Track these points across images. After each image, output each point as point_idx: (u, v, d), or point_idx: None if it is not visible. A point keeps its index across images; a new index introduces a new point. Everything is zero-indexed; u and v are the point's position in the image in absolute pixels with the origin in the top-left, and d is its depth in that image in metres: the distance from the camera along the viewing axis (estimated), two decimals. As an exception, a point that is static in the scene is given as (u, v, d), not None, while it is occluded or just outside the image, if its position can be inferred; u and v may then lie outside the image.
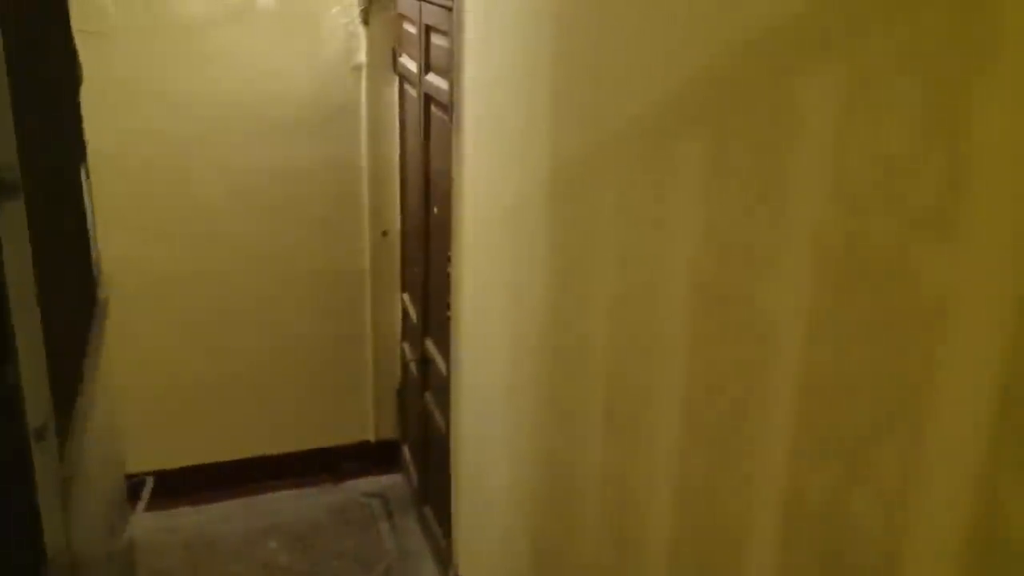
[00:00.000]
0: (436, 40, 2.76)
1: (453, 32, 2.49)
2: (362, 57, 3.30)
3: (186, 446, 3.51)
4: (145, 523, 3.28)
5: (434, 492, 3.24)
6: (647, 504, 1.54)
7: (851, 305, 0.99)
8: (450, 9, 2.50)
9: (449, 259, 2.66)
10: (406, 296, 3.52)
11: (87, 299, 2.02)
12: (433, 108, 2.84)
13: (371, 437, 3.76)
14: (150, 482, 2.39)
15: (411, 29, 3.06)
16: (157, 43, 3.08)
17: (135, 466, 3.42)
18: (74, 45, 2.09)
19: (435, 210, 2.90)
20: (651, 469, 1.52)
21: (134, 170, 3.15)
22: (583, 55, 1.68)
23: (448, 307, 2.72)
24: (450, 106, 2.56)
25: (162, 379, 3.41)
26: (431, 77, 2.82)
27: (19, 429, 1.39)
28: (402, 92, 3.32)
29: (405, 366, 3.56)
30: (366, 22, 3.27)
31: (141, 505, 2.29)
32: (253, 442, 3.59)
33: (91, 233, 2.12)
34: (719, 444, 1.28)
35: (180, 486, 3.45)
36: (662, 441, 1.47)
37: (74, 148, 2.06)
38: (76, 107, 2.12)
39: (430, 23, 2.79)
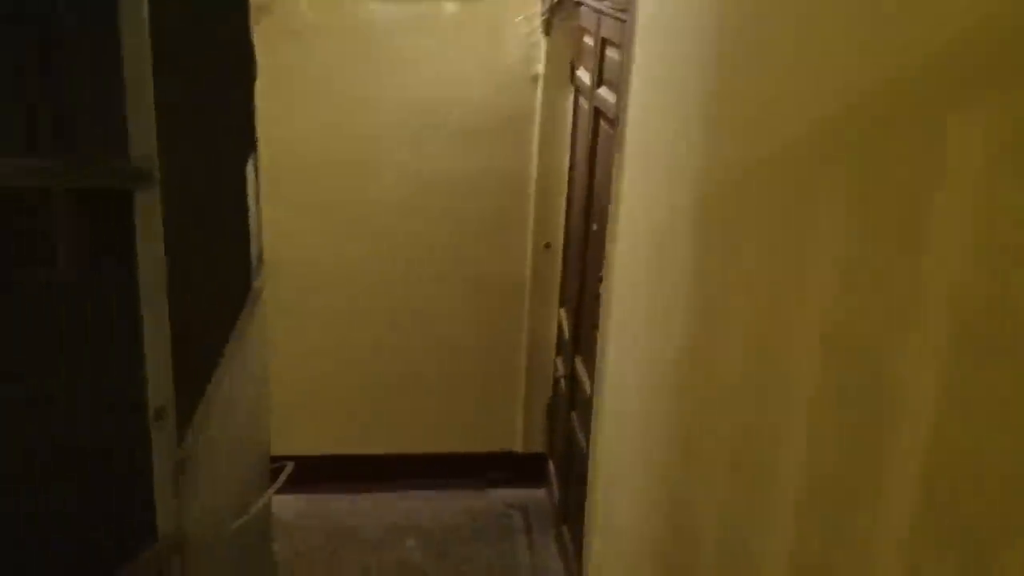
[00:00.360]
0: (610, 53, 2.70)
1: (624, 45, 2.42)
2: (540, 68, 3.29)
3: (337, 435, 3.62)
4: (290, 505, 3.42)
5: (573, 512, 3.17)
6: (763, 565, 1.41)
7: (988, 379, 0.85)
8: (625, 22, 2.43)
9: (601, 279, 2.59)
10: (563, 311, 3.47)
11: (240, 287, 2.10)
12: (602, 122, 2.78)
13: (518, 448, 3.74)
14: (290, 467, 2.46)
15: (589, 41, 3.01)
16: (346, 44, 3.20)
17: (286, 448, 3.56)
18: (251, 43, 2.18)
19: (594, 226, 2.84)
20: (770, 528, 1.39)
21: (314, 166, 3.29)
22: (736, 80, 1.58)
23: (596, 328, 2.65)
24: (615, 121, 2.49)
25: (321, 368, 3.54)
26: (603, 91, 2.76)
27: (140, 410, 1.44)
28: (576, 105, 3.28)
29: (556, 381, 3.51)
30: (547, 33, 3.25)
31: (274, 488, 2.35)
32: (401, 438, 3.66)
33: (252, 225, 2.21)
34: (838, 513, 1.15)
35: (328, 473, 3.57)
36: (783, 501, 1.34)
37: (242, 143, 2.15)
38: (248, 103, 2.21)
39: (606, 36, 2.73)
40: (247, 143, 2.19)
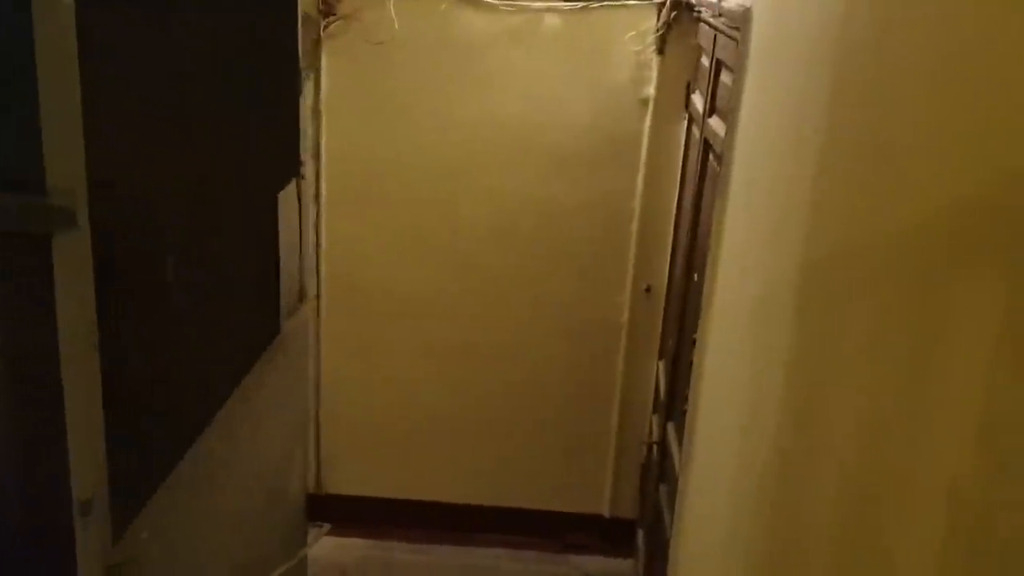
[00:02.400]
0: (725, 78, 2.31)
1: (737, 68, 2.03)
2: (651, 90, 2.92)
3: (409, 477, 3.35)
4: (352, 549, 3.20)
5: (656, 597, 2.77)
6: None
7: None
8: (737, 41, 2.04)
9: (694, 342, 2.20)
10: (661, 363, 3.08)
11: (260, 331, 1.83)
12: (711, 157, 2.39)
13: (605, 511, 3.36)
14: (325, 528, 2.19)
15: (705, 62, 2.62)
16: (437, 58, 2.93)
17: (350, 487, 3.32)
18: (295, 50, 1.92)
19: (695, 276, 2.45)
20: None
21: (396, 187, 3.04)
22: (859, 128, 1.18)
23: (686, 399, 2.26)
24: (722, 157, 2.10)
25: (397, 405, 3.27)
26: (713, 120, 2.37)
27: (61, 503, 1.18)
28: (689, 134, 2.89)
29: (649, 445, 3.11)
30: (661, 51, 2.88)
31: (307, 549, 2.08)
32: (477, 488, 3.34)
33: (289, 260, 1.94)
34: None
35: (394, 518, 3.30)
36: None
37: (279, 167, 1.89)
38: (291, 120, 1.95)
39: (721, 56, 2.34)
40: (286, 167, 1.92)
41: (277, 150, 1.86)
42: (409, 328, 3.20)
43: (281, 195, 1.85)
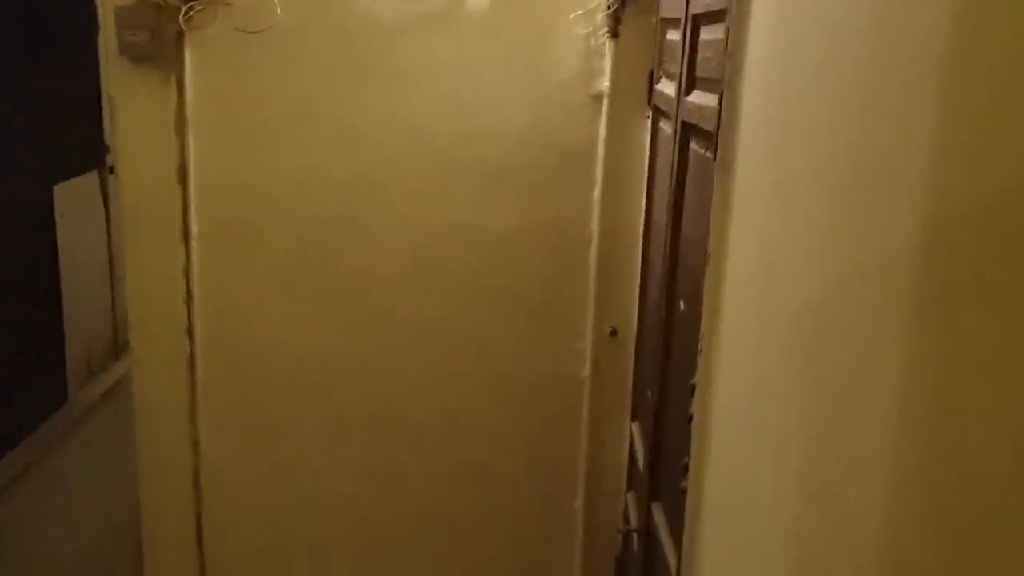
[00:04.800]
0: (706, 35, 1.75)
1: (732, 11, 1.45)
2: (605, 83, 2.37)
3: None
4: None
5: None
6: None
7: None
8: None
9: (692, 390, 1.58)
10: (636, 426, 2.45)
11: (24, 403, 1.16)
12: (692, 143, 1.82)
13: (573, 618, 2.69)
14: None
15: (674, 36, 2.07)
16: (333, 52, 2.38)
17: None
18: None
19: (681, 305, 1.85)
20: None
21: (292, 220, 2.47)
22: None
23: (685, 471, 1.63)
24: (715, 135, 1.51)
25: (301, 500, 2.60)
26: (694, 96, 1.81)
27: None
28: (655, 133, 2.32)
29: (626, 534, 2.47)
30: (615, 34, 2.34)
31: None
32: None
33: (70, 290, 1.27)
34: None
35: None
36: None
37: (57, 149, 1.24)
38: (79, 90, 1.30)
39: (699, 10, 1.78)
40: (76, 153, 1.27)
41: (57, 128, 1.21)
42: (313, 399, 2.56)
43: (64, 189, 1.19)
